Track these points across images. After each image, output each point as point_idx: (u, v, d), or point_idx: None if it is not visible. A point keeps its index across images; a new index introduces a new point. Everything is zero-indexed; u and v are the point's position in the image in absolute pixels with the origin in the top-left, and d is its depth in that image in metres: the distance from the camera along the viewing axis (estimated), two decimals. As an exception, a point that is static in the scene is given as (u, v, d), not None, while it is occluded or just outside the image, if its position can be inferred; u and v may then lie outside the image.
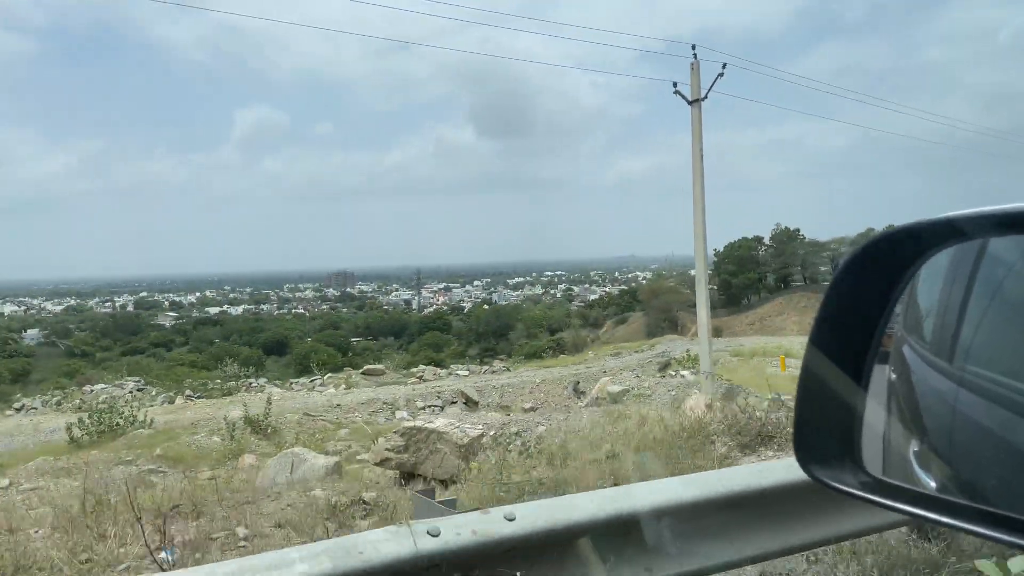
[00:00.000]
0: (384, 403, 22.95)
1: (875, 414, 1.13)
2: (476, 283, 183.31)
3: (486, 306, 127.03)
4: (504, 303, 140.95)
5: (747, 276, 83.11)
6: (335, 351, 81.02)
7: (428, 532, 2.16)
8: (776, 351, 27.12)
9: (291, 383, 37.74)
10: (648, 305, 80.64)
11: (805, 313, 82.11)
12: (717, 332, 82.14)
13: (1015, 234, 0.99)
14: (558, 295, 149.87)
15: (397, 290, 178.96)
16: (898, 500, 1.04)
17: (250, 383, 36.76)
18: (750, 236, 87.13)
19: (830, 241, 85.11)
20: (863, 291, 1.11)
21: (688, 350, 31.22)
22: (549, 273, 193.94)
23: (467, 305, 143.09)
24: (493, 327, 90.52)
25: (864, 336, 1.12)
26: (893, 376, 1.14)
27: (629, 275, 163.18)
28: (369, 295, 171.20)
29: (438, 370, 41.26)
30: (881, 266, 1.11)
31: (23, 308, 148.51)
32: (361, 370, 42.31)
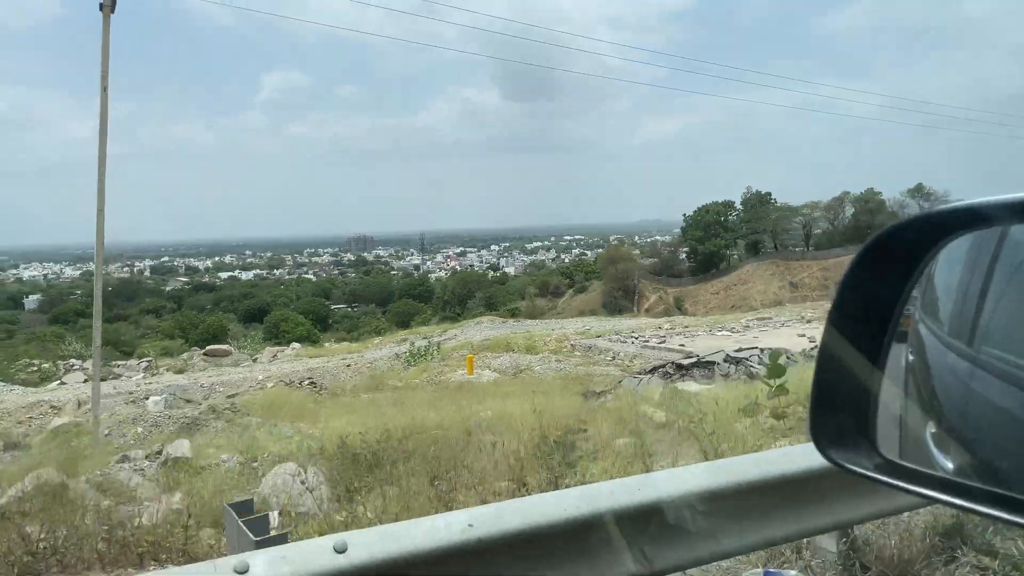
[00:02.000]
0: (52, 407, 21.43)
1: (892, 395, 1.14)
2: (493, 247, 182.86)
3: (493, 272, 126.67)
4: (508, 268, 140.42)
5: (714, 243, 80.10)
6: (308, 320, 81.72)
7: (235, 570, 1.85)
8: (532, 344, 25.47)
9: (115, 365, 37.50)
10: (605, 273, 78.61)
11: (771, 282, 79.08)
12: (679, 303, 79.81)
13: None
14: (566, 260, 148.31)
15: (412, 255, 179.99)
16: (914, 483, 1.05)
17: (72, 364, 36.83)
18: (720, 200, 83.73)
19: (803, 205, 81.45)
20: (881, 274, 1.13)
21: (470, 340, 29.61)
22: (568, 237, 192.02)
23: (474, 269, 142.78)
24: (458, 295, 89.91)
25: (882, 318, 1.13)
26: (911, 357, 1.14)
27: (649, 239, 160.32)
28: (383, 260, 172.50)
29: (288, 349, 40.50)
30: (900, 251, 1.13)
31: (44, 273, 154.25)
32: (204, 350, 41.71)
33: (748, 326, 27.52)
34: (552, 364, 21.83)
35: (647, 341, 24.71)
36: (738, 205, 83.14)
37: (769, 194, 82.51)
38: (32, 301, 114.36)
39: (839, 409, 1.15)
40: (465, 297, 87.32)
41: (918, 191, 78.13)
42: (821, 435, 1.16)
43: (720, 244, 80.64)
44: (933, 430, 1.09)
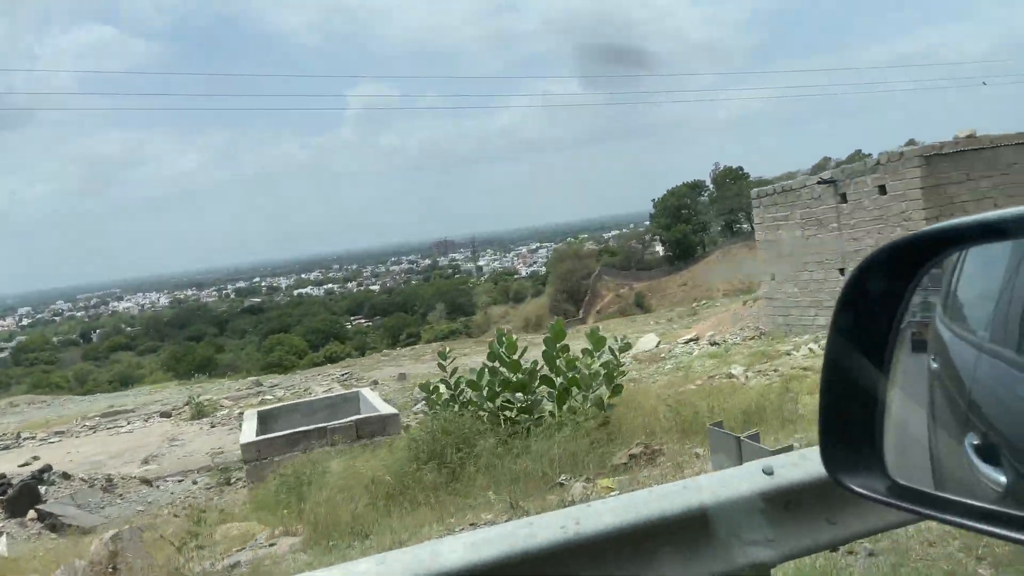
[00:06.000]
0: None
1: (910, 408, 1.14)
2: (569, 240, 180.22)
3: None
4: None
5: (679, 229, 74.25)
6: (307, 342, 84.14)
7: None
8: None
9: None
10: (553, 274, 74.94)
11: (741, 266, 71.79)
12: (640, 300, 75.33)
13: None
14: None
15: (491, 255, 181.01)
16: (929, 507, 1.06)
17: None
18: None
19: (779, 178, 73.30)
20: (884, 286, 1.15)
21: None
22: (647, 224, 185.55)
23: (533, 269, 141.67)
24: (430, 306, 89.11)
25: (885, 329, 1.14)
26: (934, 365, 1.15)
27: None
28: (455, 263, 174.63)
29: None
30: (904, 262, 1.15)
31: (142, 304, 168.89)
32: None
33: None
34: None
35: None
36: (709, 184, 76.50)
37: (740, 168, 75.29)
38: (97, 336, 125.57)
39: (850, 430, 1.11)
40: (430, 309, 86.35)
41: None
42: (832, 460, 1.13)
43: (686, 229, 74.43)
44: (976, 442, 1.04)
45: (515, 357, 7.91)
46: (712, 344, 17.56)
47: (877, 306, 1.14)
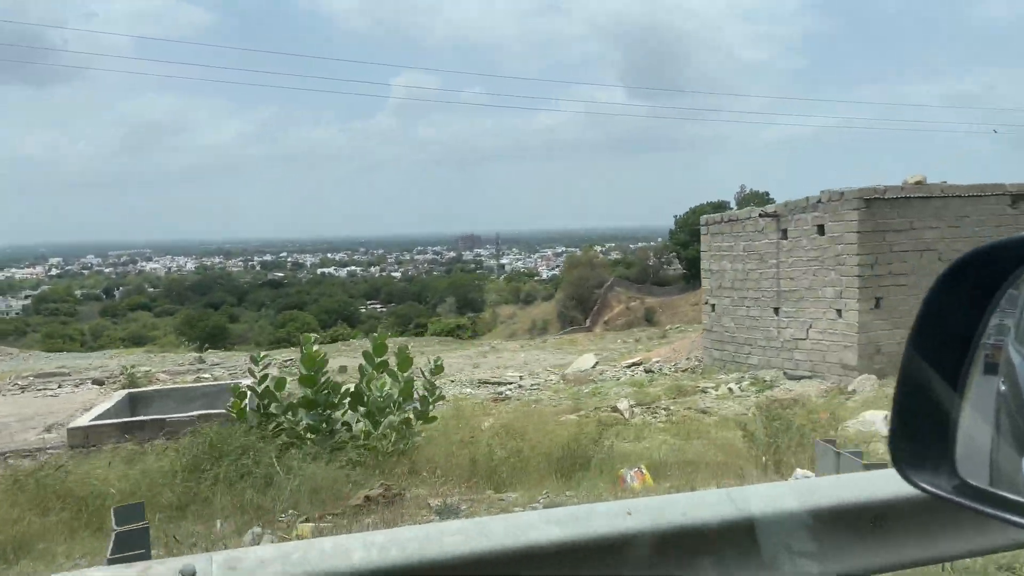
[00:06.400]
0: None
1: (977, 424, 1.15)
2: (596, 248, 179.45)
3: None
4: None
5: (697, 247, 72.94)
6: (317, 321, 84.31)
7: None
8: None
9: None
10: (564, 280, 74.10)
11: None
12: (649, 315, 74.42)
13: None
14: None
15: (515, 254, 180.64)
16: (1002, 509, 1.05)
17: None
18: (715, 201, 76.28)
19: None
20: (963, 299, 1.14)
21: None
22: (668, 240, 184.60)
23: (554, 273, 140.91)
24: (442, 298, 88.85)
25: (963, 344, 1.14)
26: (1003, 387, 1.14)
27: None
28: (480, 258, 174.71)
29: None
30: (983, 276, 1.14)
31: (169, 266, 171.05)
32: None
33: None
34: None
35: None
36: (732, 206, 75.16)
37: (767, 193, 73.83)
38: (119, 293, 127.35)
39: (920, 432, 1.14)
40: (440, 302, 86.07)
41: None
42: (901, 457, 1.14)
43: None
44: None
45: (313, 371, 7.28)
46: (647, 372, 16.84)
47: (954, 327, 1.11)
